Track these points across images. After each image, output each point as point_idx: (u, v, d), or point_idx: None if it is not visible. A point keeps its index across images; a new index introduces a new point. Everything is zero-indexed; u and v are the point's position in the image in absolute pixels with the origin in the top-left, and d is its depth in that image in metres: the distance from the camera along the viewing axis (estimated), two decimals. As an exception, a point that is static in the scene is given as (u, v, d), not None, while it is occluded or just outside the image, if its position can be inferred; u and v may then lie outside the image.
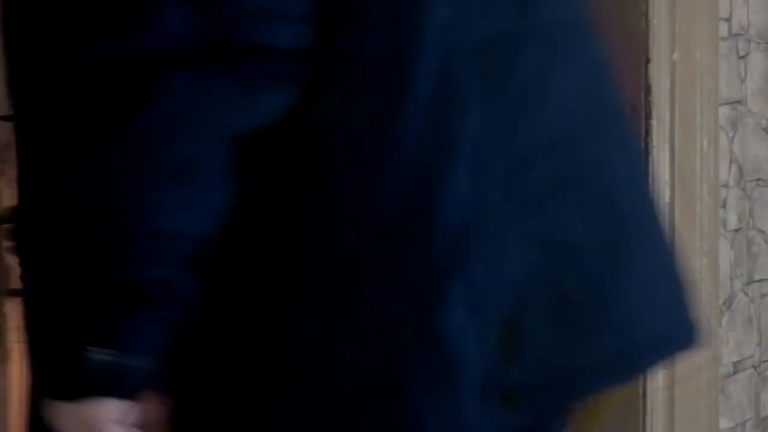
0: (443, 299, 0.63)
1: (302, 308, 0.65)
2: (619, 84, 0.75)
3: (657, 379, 1.11)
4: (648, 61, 1.09)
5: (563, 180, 0.68)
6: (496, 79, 0.67)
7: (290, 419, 0.65)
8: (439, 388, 0.63)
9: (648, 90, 1.10)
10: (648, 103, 1.09)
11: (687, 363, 1.14)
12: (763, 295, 1.38)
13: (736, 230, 1.32)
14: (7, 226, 0.76)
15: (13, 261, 0.71)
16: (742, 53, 1.32)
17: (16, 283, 0.76)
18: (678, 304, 0.72)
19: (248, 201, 0.65)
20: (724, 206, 1.28)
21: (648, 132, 1.10)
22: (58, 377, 0.64)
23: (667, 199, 1.12)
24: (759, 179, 1.36)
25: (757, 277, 1.37)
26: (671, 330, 0.71)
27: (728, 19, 1.28)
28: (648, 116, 1.10)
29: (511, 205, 0.66)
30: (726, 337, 1.31)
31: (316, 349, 0.64)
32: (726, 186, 1.29)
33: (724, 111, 1.26)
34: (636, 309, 0.68)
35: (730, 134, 1.30)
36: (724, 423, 1.29)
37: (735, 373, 1.33)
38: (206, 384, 0.67)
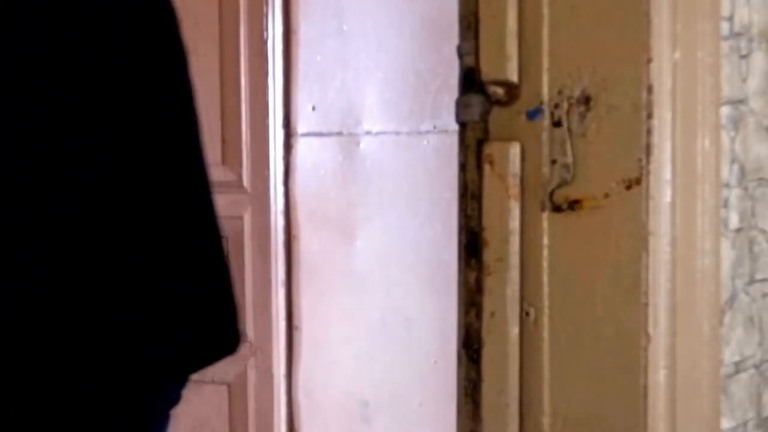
0: None
1: None
2: None
3: (658, 379, 1.11)
4: (649, 60, 1.09)
5: None
6: None
7: None
8: None
9: (649, 89, 1.10)
10: (649, 103, 1.09)
11: (688, 363, 1.14)
12: (764, 295, 1.38)
13: (738, 230, 1.32)
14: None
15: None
16: (743, 52, 1.32)
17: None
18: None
19: None
20: (725, 206, 1.28)
21: (649, 131, 1.10)
22: None
23: (668, 199, 1.12)
24: (761, 179, 1.36)
25: (758, 277, 1.37)
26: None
27: (730, 19, 1.28)
28: (649, 116, 1.10)
29: None
30: (727, 337, 1.31)
31: None
32: (727, 186, 1.29)
33: (725, 110, 1.26)
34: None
35: (732, 134, 1.30)
36: (725, 423, 1.29)
37: (736, 372, 1.33)
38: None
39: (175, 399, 1.12)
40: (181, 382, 1.13)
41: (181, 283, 1.07)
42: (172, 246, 1.06)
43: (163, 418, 1.10)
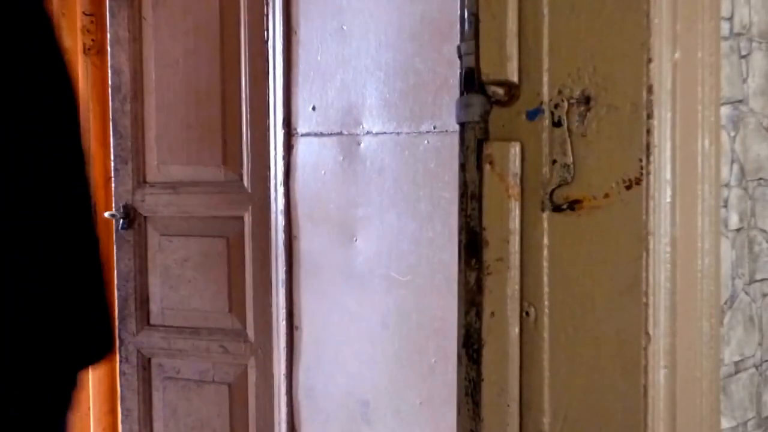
0: None
1: None
2: None
3: (658, 379, 1.11)
4: (649, 60, 1.09)
5: None
6: None
7: None
8: None
9: (649, 89, 1.09)
10: (649, 103, 1.09)
11: (688, 363, 1.14)
12: (764, 295, 1.38)
13: (738, 230, 1.32)
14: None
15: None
16: (743, 52, 1.32)
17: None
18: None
19: None
20: (725, 206, 1.28)
21: (649, 131, 1.10)
22: None
23: (668, 199, 1.12)
24: (760, 179, 1.36)
25: (758, 277, 1.37)
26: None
27: (730, 19, 1.28)
28: (649, 115, 1.10)
29: None
30: (727, 337, 1.31)
31: None
32: (727, 185, 1.29)
33: (725, 110, 1.26)
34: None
35: (732, 134, 1.30)
36: (725, 422, 1.29)
37: (736, 372, 1.33)
38: None
39: (66, 392, 1.15)
40: (63, 378, 1.15)
41: (52, 289, 1.09)
42: (43, 250, 1.07)
43: (58, 408, 1.14)
